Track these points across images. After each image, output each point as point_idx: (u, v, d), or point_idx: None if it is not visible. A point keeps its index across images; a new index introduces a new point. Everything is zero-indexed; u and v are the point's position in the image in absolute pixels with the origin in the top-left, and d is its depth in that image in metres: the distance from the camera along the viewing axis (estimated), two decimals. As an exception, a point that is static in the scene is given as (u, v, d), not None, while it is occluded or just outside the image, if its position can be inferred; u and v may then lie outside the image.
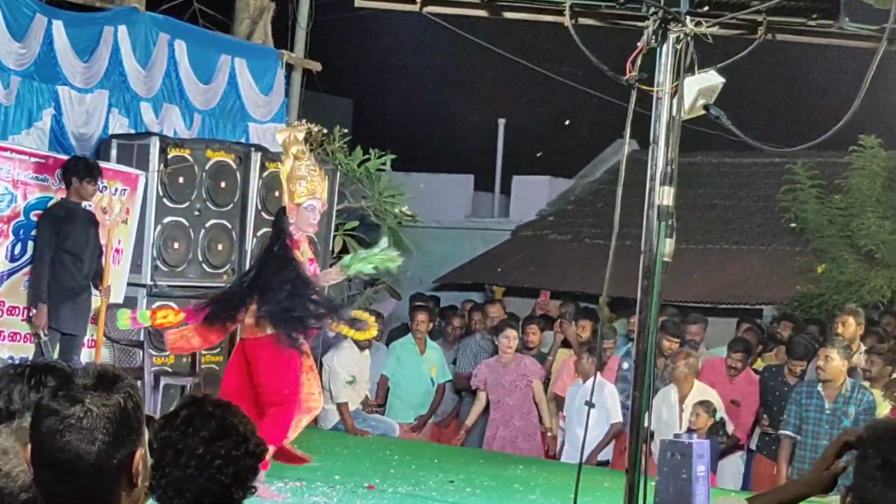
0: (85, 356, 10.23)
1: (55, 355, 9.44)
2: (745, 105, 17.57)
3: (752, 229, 19.10)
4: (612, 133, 20.81)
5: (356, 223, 14.02)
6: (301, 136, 8.71)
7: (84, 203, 9.91)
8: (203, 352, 11.18)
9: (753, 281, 17.57)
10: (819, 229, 15.55)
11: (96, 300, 10.09)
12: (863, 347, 10.68)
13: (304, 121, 9.08)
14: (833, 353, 9.53)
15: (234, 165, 11.61)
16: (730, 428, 10.53)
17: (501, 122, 23.79)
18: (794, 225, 16.13)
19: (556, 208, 22.05)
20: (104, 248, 10.01)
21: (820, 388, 9.57)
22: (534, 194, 22.30)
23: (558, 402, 11.51)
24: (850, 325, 10.72)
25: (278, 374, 8.32)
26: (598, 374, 11.21)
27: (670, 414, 10.20)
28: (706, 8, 5.57)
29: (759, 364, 11.81)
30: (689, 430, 9.34)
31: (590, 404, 8.15)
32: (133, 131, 11.68)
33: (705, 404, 9.98)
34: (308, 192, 8.52)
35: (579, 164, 22.95)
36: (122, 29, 11.81)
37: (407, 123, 22.83)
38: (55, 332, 9.76)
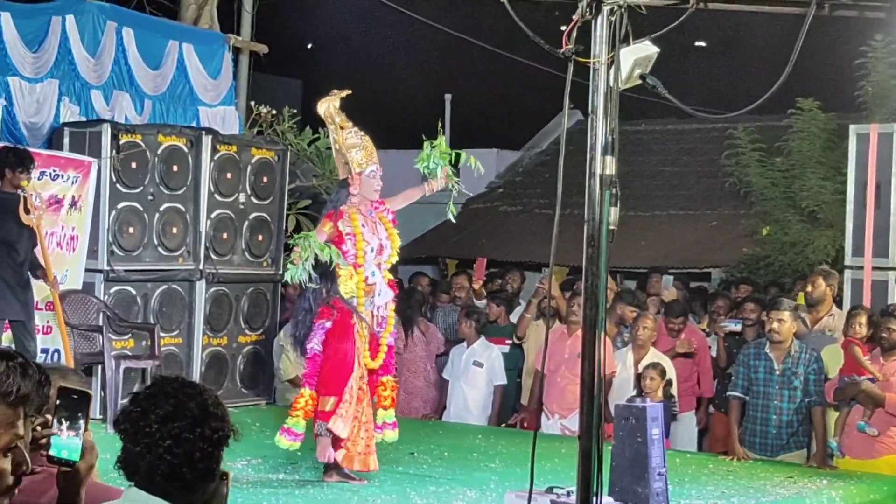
0: (46, 343, 10.38)
1: (3, 342, 9.36)
2: (685, 73, 17.79)
3: (697, 194, 19.32)
4: (557, 105, 20.89)
5: (308, 202, 14.05)
6: (338, 104, 8.75)
7: (19, 191, 9.55)
8: (162, 334, 11.32)
9: (701, 245, 17.82)
10: (762, 192, 15.70)
11: (40, 288, 9.99)
12: (834, 308, 10.49)
13: (338, 91, 8.95)
14: (785, 315, 9.41)
15: (185, 149, 11.67)
16: (674, 390, 10.31)
17: (448, 97, 23.93)
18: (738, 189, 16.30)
19: (504, 180, 22.22)
20: (38, 238, 9.67)
21: (768, 349, 9.47)
22: (482, 167, 22.45)
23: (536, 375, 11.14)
24: (819, 286, 10.48)
25: None
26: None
27: (625, 378, 10.22)
28: (638, -21, 5.41)
29: (705, 324, 11.83)
30: (643, 394, 9.28)
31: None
32: (84, 119, 11.71)
33: (657, 367, 9.88)
34: (367, 159, 8.69)
35: (526, 137, 23.13)
36: (70, 18, 11.85)
37: (355, 101, 22.84)
38: None
